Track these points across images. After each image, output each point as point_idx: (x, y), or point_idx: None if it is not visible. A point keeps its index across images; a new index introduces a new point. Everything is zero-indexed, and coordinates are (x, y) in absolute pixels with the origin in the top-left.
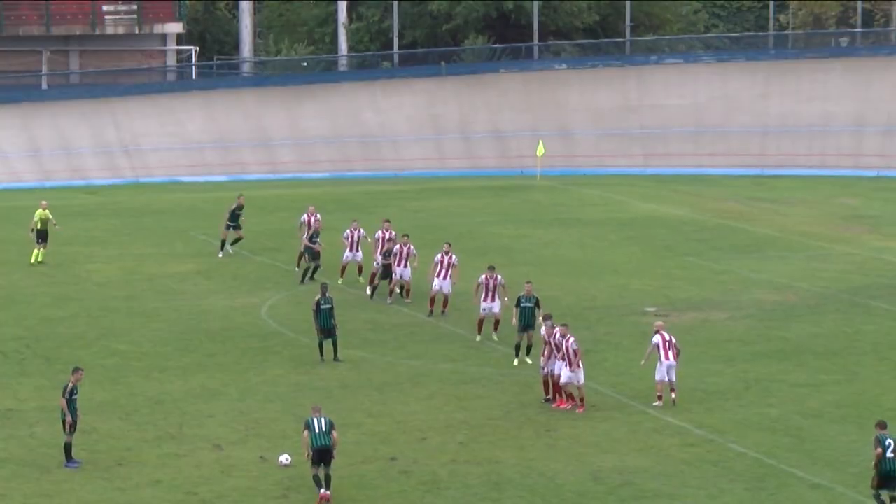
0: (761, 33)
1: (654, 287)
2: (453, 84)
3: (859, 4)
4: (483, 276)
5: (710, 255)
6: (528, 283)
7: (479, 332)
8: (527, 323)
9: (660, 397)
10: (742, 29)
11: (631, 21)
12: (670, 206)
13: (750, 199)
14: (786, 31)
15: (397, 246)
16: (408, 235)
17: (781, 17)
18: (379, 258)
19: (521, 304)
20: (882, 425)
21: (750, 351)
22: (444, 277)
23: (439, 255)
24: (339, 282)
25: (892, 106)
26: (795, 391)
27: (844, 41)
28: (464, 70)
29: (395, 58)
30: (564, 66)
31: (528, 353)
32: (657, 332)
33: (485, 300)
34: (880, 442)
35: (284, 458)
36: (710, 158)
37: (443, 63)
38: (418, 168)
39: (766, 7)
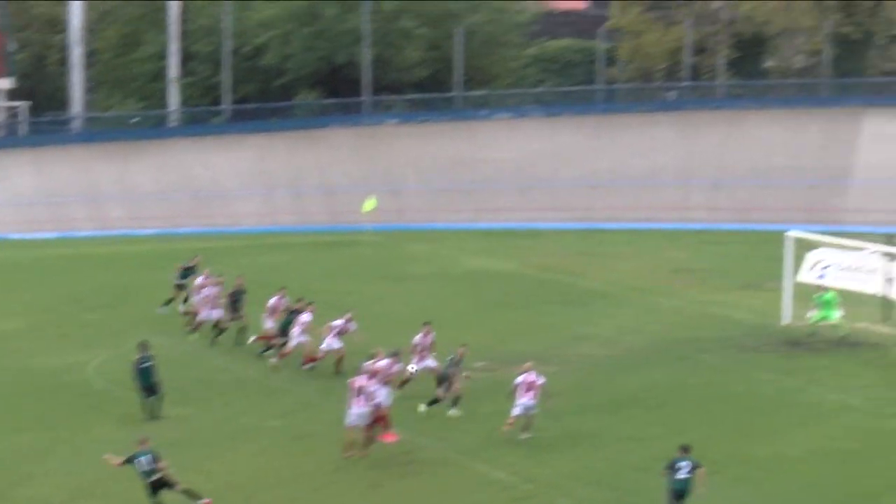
0: (590, 87)
1: (484, 342)
2: (284, 139)
3: (686, 58)
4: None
5: (540, 310)
6: (462, 346)
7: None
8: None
9: (510, 423)
10: (571, 83)
11: (461, 76)
12: (500, 261)
13: (579, 253)
14: (614, 85)
15: (341, 321)
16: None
17: (610, 71)
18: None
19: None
20: (684, 449)
21: (578, 404)
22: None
23: (339, 320)
24: (192, 337)
25: (718, 159)
26: (623, 445)
27: (672, 95)
28: (295, 125)
29: (226, 113)
30: (395, 120)
31: (454, 404)
32: (524, 372)
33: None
34: (672, 464)
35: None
36: (540, 212)
37: (274, 119)
38: (249, 224)
39: (595, 61)
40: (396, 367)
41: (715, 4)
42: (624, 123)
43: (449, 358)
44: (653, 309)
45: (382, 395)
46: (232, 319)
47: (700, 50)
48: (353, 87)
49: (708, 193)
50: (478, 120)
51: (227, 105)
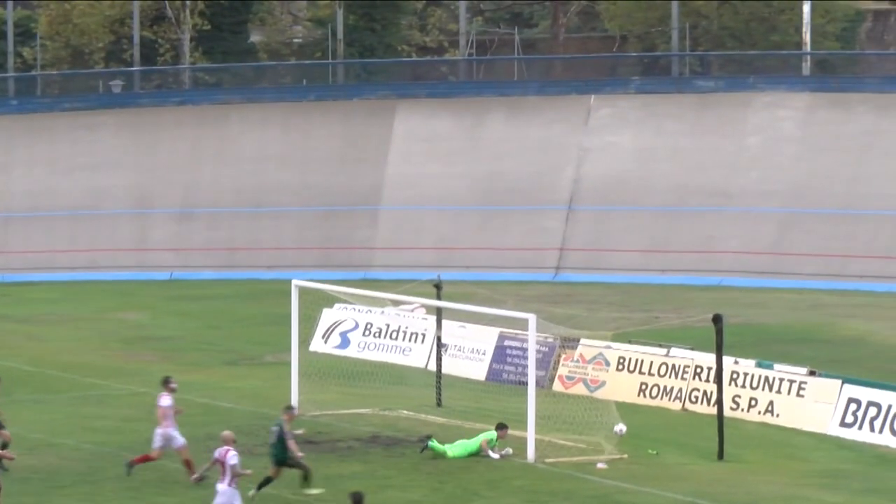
0: None
1: None
2: None
3: (136, 32)
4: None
5: None
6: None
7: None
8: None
9: None
10: None
11: None
12: None
13: None
14: (33, 73)
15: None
16: None
17: (27, 51)
18: None
19: None
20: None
21: None
22: None
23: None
24: None
25: (188, 178)
26: None
27: (117, 85)
28: None
29: None
30: None
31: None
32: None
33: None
34: None
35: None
36: None
37: None
38: None
39: (4, 36)
40: None
41: None
42: (44, 127)
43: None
44: (99, 398)
45: None
46: None
47: (157, 19)
48: None
49: (177, 227)
50: None
51: None
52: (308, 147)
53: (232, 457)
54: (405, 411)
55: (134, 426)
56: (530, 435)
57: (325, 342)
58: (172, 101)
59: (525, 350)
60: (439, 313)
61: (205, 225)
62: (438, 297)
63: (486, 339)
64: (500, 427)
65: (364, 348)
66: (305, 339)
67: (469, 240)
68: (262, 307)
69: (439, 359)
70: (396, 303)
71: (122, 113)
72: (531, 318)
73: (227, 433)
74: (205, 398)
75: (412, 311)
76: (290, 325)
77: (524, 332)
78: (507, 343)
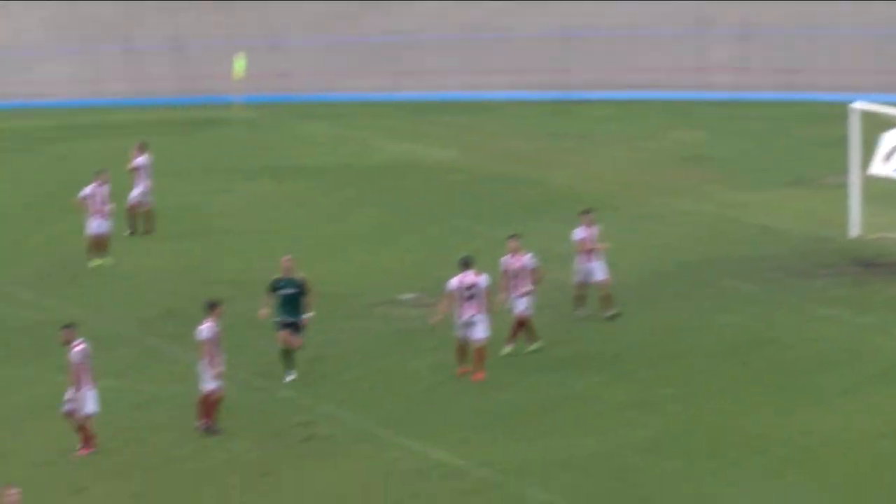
0: None
1: (410, 264)
2: None
3: None
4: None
5: (490, 217)
6: None
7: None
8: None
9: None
10: None
11: None
12: (431, 147)
13: (547, 136)
14: None
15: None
16: None
17: None
18: None
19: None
20: None
21: (552, 356)
22: None
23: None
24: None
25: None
26: (621, 414)
27: None
28: None
29: None
30: None
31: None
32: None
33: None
34: None
35: None
36: (488, 77)
37: None
38: (62, 95)
39: None
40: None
41: None
42: None
43: None
44: (656, 216)
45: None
46: None
47: None
48: None
49: (735, 48)
50: None
51: None
52: None
53: None
54: None
55: (691, 245)
56: None
57: (884, 165)
58: None
59: None
60: None
61: (765, 46)
62: None
63: None
64: None
65: None
66: (865, 163)
67: None
68: (821, 130)
69: None
70: None
71: None
72: None
73: None
74: (762, 218)
75: None
76: (849, 147)
77: None
78: None
